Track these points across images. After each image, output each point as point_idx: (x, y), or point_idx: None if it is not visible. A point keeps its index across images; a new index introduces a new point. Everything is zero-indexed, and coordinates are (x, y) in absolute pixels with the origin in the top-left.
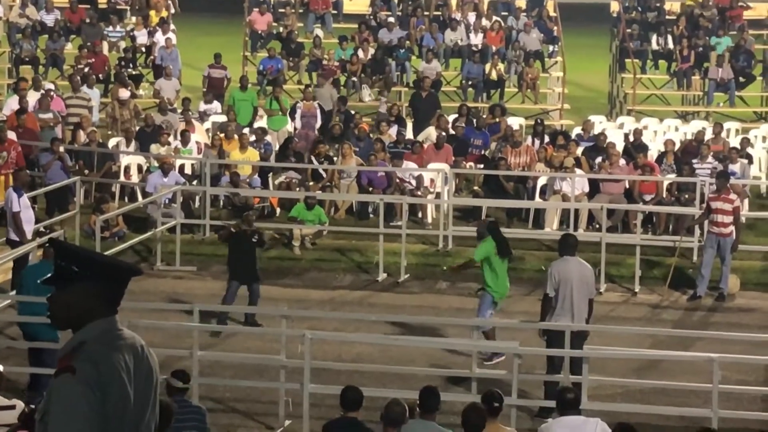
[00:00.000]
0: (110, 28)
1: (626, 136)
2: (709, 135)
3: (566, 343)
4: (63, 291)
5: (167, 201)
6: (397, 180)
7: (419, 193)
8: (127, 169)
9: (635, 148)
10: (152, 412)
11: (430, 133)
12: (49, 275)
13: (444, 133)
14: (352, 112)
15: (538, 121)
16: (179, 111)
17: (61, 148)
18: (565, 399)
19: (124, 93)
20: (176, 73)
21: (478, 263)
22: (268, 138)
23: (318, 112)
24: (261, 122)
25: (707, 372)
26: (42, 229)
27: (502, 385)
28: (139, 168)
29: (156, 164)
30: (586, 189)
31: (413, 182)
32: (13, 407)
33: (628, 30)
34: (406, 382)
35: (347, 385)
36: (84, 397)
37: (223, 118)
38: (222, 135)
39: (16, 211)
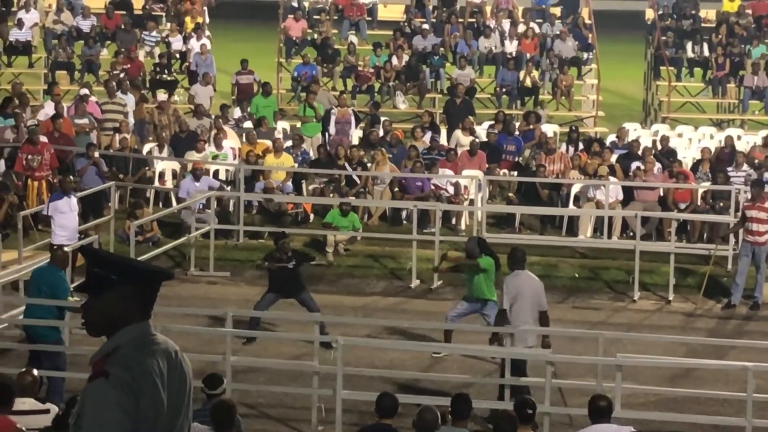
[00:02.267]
0: (146, 33)
1: (654, 143)
2: (752, 142)
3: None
4: (98, 298)
5: (201, 206)
6: (433, 187)
7: (459, 198)
8: (161, 174)
9: (663, 155)
10: (185, 417)
11: (459, 137)
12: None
13: (475, 139)
14: (383, 118)
15: (573, 128)
16: (213, 116)
17: (96, 154)
18: (597, 407)
19: (162, 96)
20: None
21: (480, 268)
22: (305, 145)
23: (352, 118)
24: (283, 124)
25: (741, 381)
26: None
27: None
28: (174, 173)
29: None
30: (620, 196)
31: (450, 189)
32: (47, 411)
33: (663, 37)
34: (438, 388)
35: (383, 392)
36: (117, 401)
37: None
38: (248, 143)
39: (44, 215)
